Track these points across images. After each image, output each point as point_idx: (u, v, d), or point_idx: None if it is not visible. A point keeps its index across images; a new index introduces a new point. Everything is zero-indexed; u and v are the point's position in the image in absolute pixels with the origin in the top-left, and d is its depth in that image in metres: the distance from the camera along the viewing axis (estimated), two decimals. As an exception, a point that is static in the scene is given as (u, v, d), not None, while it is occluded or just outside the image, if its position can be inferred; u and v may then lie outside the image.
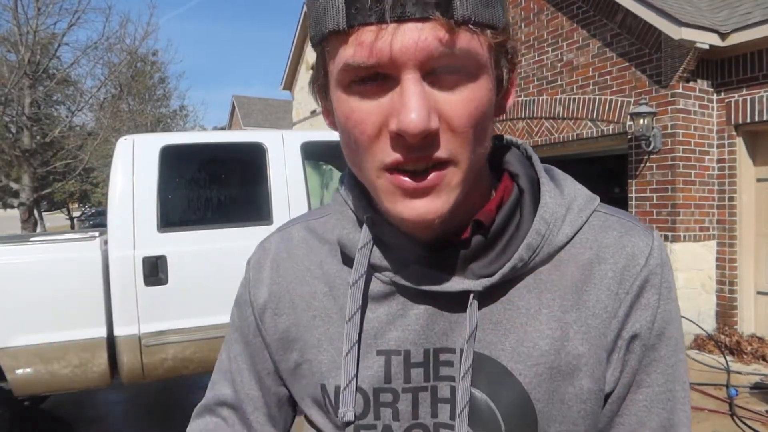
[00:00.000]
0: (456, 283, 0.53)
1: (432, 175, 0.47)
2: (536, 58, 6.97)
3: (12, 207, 12.82)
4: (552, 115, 6.77)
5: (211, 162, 3.98)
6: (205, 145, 4.00)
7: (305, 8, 0.49)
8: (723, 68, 5.44)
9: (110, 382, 3.58)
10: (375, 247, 0.57)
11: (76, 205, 28.55)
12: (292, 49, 16.00)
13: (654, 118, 5.42)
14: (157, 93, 19.38)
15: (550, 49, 6.77)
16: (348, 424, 0.56)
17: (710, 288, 5.59)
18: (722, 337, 5.32)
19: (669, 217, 5.44)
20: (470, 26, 0.45)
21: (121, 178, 3.55)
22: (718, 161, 5.56)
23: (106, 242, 3.54)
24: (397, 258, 0.56)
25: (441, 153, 0.46)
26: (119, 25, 17.87)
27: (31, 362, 3.34)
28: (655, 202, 5.57)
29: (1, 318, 3.30)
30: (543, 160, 0.61)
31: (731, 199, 5.48)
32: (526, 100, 7.16)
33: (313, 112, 15.01)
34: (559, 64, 6.65)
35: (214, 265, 3.63)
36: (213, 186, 3.88)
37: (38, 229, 12.06)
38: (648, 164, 5.61)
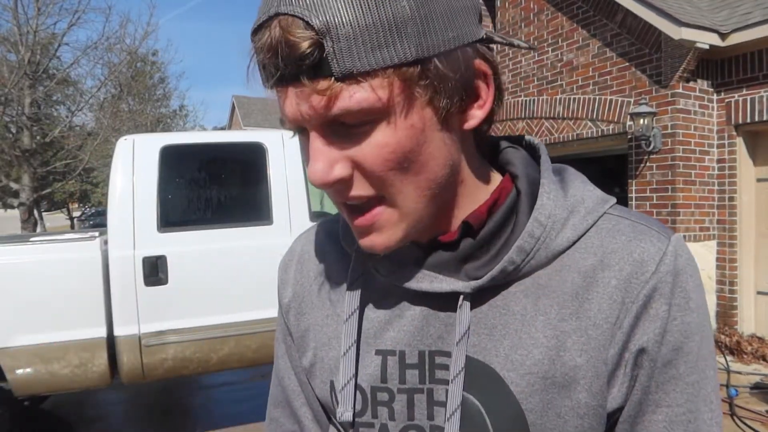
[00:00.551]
0: (447, 284, 0.53)
1: (370, 214, 0.49)
2: (536, 58, 6.97)
3: (12, 207, 12.81)
4: (552, 115, 6.77)
5: (211, 162, 3.98)
6: (205, 145, 4.00)
7: None
8: (723, 68, 5.44)
9: (110, 382, 3.58)
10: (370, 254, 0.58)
11: (76, 205, 28.55)
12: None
13: (654, 118, 5.42)
14: (157, 93, 19.39)
15: (550, 49, 6.77)
16: (346, 423, 0.57)
17: (710, 288, 5.59)
18: (722, 337, 5.32)
19: (669, 217, 5.44)
20: (356, 78, 0.43)
21: (121, 178, 3.55)
22: (718, 161, 5.56)
23: (106, 242, 3.54)
24: (395, 258, 0.56)
25: (362, 191, 0.48)
26: (119, 25, 17.93)
27: (31, 362, 3.34)
28: (655, 202, 5.57)
29: (1, 318, 3.30)
30: None
31: (731, 199, 5.48)
32: (526, 100, 7.16)
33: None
34: (559, 64, 6.65)
35: (214, 265, 3.63)
36: (213, 186, 3.88)
37: (38, 229, 12.06)
38: (648, 164, 5.61)
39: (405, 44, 0.44)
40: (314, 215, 3.95)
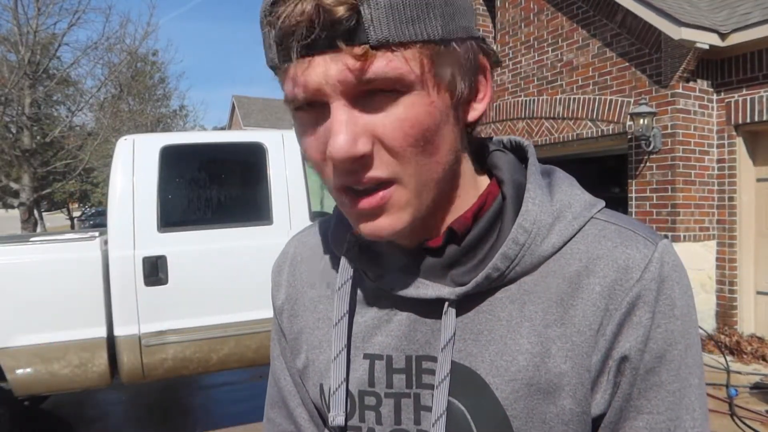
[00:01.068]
0: (432, 290, 0.53)
1: (378, 195, 0.48)
2: (536, 58, 6.97)
3: (12, 207, 12.81)
4: (552, 115, 6.77)
5: (211, 162, 3.98)
6: (205, 145, 4.00)
7: None
8: (723, 68, 5.44)
9: (110, 382, 3.58)
10: (362, 253, 0.58)
11: (76, 205, 28.54)
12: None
13: (654, 118, 5.42)
14: (157, 93, 19.39)
15: (550, 49, 6.77)
16: (337, 428, 0.57)
17: (710, 288, 5.59)
18: (722, 337, 5.32)
19: (669, 217, 5.44)
20: (390, 48, 0.44)
21: (121, 178, 3.55)
22: (718, 161, 5.56)
23: (106, 242, 3.54)
24: (383, 263, 0.57)
25: (379, 173, 0.47)
26: (119, 25, 17.98)
27: (31, 362, 3.34)
28: (655, 202, 5.57)
29: (1, 318, 3.30)
30: (543, 161, 0.59)
31: (731, 199, 5.48)
32: (526, 100, 7.16)
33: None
34: (559, 64, 6.65)
35: (214, 265, 3.63)
36: (213, 186, 3.88)
37: (38, 229, 12.06)
38: (648, 164, 5.61)
39: (434, 22, 0.46)
40: (314, 215, 3.95)
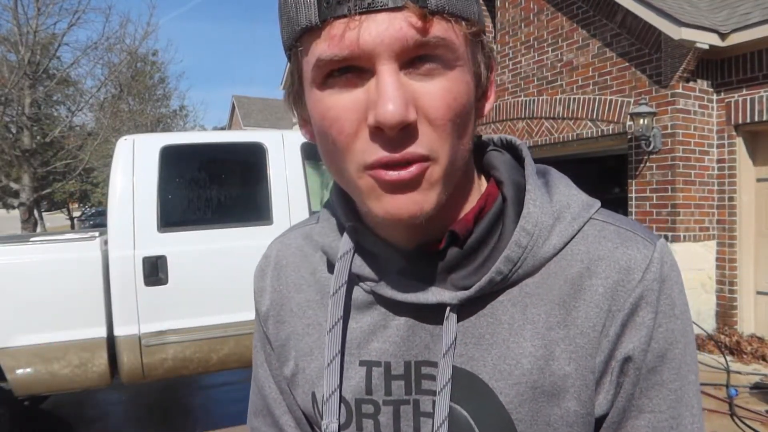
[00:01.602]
0: (433, 295, 0.52)
1: (414, 167, 0.45)
2: (536, 58, 6.97)
3: (12, 207, 12.82)
4: (552, 115, 6.77)
5: (211, 162, 3.98)
6: (205, 145, 4.00)
7: (278, 13, 0.50)
8: (723, 68, 5.44)
9: (110, 382, 3.58)
10: (357, 256, 0.56)
11: (76, 205, 28.54)
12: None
13: (654, 118, 5.42)
14: (157, 93, 19.39)
15: (550, 49, 6.77)
16: None
17: (710, 288, 5.59)
18: (722, 337, 5.32)
19: (669, 217, 5.44)
20: (444, 15, 0.44)
21: (121, 178, 3.55)
22: (718, 161, 5.56)
23: (106, 242, 3.54)
24: (379, 267, 0.55)
25: (420, 148, 0.45)
26: (119, 25, 17.97)
27: (31, 362, 3.34)
28: (655, 202, 5.57)
29: (1, 318, 3.30)
30: (543, 161, 0.58)
31: (731, 199, 5.48)
32: (526, 100, 7.16)
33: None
34: (559, 64, 6.65)
35: (214, 265, 3.63)
36: (213, 186, 3.88)
37: (38, 229, 12.07)
38: (648, 164, 5.61)
39: (475, 3, 0.48)
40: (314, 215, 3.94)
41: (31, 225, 10.89)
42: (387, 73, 0.43)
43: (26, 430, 4.30)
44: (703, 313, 5.52)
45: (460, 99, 0.46)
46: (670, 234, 5.41)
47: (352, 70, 0.45)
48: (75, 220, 23.95)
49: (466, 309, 0.52)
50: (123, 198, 3.53)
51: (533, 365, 0.50)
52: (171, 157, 3.69)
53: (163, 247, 3.54)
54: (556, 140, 6.73)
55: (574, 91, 6.45)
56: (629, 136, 5.72)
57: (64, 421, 4.67)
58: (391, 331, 0.55)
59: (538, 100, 6.95)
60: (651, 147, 5.43)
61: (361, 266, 0.56)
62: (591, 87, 6.23)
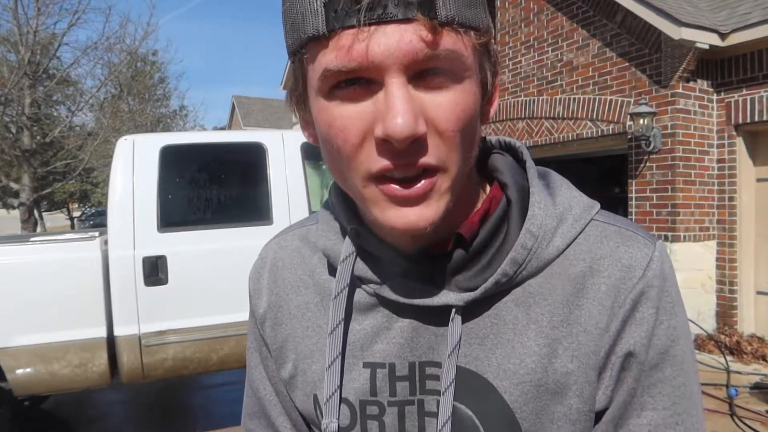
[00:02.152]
0: (438, 297, 0.52)
1: (422, 183, 0.45)
2: (536, 58, 6.97)
3: (12, 207, 12.82)
4: (552, 115, 6.77)
5: (211, 162, 3.98)
6: (205, 145, 4.00)
7: (282, 17, 0.49)
8: (723, 68, 5.44)
9: (110, 382, 3.58)
10: (359, 259, 0.56)
11: (76, 205, 28.54)
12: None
13: (654, 118, 5.42)
14: (157, 93, 19.39)
15: (550, 49, 6.77)
16: None
17: (710, 288, 5.59)
18: (722, 337, 5.32)
19: (669, 217, 5.44)
20: (454, 27, 0.43)
21: (121, 178, 3.55)
22: (718, 161, 5.56)
23: (106, 242, 3.54)
24: (382, 270, 0.55)
25: (429, 159, 0.45)
26: (119, 25, 17.93)
27: (31, 362, 3.34)
28: (655, 202, 5.57)
29: (1, 318, 3.30)
30: (543, 161, 0.59)
31: (731, 199, 5.48)
32: (526, 100, 7.16)
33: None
34: (559, 64, 6.65)
35: (214, 265, 3.63)
36: (213, 186, 3.88)
37: (38, 229, 12.07)
38: (648, 164, 5.61)
39: (482, 13, 0.47)
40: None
41: (31, 225, 10.89)
42: (396, 86, 0.43)
43: (26, 430, 4.30)
44: (703, 313, 5.52)
45: (468, 110, 0.46)
46: (670, 234, 5.41)
47: (360, 81, 0.44)
48: (75, 220, 23.94)
49: (469, 310, 0.53)
50: (123, 198, 3.53)
51: (537, 364, 0.51)
52: (171, 157, 3.69)
53: (163, 247, 3.54)
54: (556, 140, 6.73)
55: (574, 91, 6.45)
56: (629, 136, 5.72)
57: (64, 421, 4.67)
58: (395, 333, 0.55)
59: (538, 100, 6.95)
60: (651, 147, 5.43)
61: (363, 269, 0.56)
62: (591, 87, 6.23)
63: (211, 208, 3.85)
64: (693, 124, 5.44)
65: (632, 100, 5.73)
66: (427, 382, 0.54)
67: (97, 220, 22.50)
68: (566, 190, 0.56)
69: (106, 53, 12.49)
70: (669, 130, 5.41)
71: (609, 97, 6.01)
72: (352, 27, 0.42)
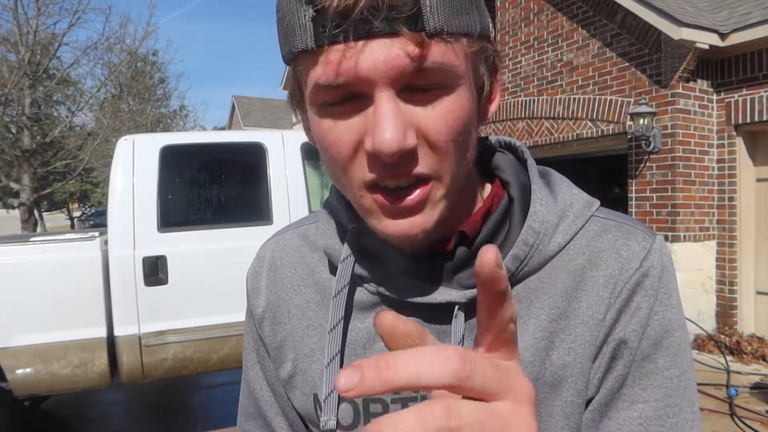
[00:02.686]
0: (440, 295, 0.53)
1: (415, 193, 0.46)
2: (536, 58, 6.97)
3: (12, 207, 12.82)
4: (552, 115, 6.77)
5: (211, 162, 3.98)
6: (205, 145, 4.00)
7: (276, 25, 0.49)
8: (723, 68, 5.44)
9: (110, 382, 3.58)
10: (361, 258, 0.56)
11: (76, 205, 28.54)
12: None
13: (654, 118, 5.42)
14: (157, 93, 19.39)
15: (550, 49, 6.77)
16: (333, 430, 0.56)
17: (710, 288, 5.59)
18: (722, 337, 5.32)
19: (669, 217, 5.44)
20: (443, 37, 0.43)
21: (121, 178, 3.55)
22: (718, 161, 5.56)
23: (106, 242, 3.54)
24: (383, 269, 0.55)
25: (421, 169, 0.46)
26: (119, 25, 17.89)
27: (31, 362, 3.34)
28: (655, 202, 5.57)
29: (1, 318, 3.30)
30: (543, 161, 0.59)
31: (731, 199, 5.48)
32: (526, 100, 7.16)
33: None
34: (559, 64, 6.65)
35: (214, 265, 3.63)
36: (213, 186, 3.88)
37: (38, 229, 12.07)
38: (648, 164, 5.61)
39: (476, 17, 0.46)
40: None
41: (31, 225, 10.89)
42: (384, 100, 0.43)
43: (26, 430, 4.30)
44: (703, 313, 5.52)
45: (461, 119, 0.46)
46: (670, 234, 5.41)
47: (350, 97, 0.45)
48: (75, 220, 23.95)
49: (472, 307, 0.52)
50: (123, 198, 3.53)
51: (535, 357, 0.51)
52: (171, 157, 3.69)
53: (163, 247, 3.54)
54: (556, 140, 6.73)
55: (574, 91, 6.45)
56: (629, 136, 5.72)
57: (64, 421, 4.67)
58: None
59: (538, 100, 6.95)
60: (651, 147, 5.43)
61: (365, 268, 0.56)
62: (591, 87, 6.23)
63: (211, 208, 3.85)
64: (693, 124, 5.44)
65: (632, 100, 5.73)
66: None
67: (97, 220, 22.49)
68: (567, 188, 0.57)
69: (106, 53, 12.51)
70: (669, 130, 5.41)
71: (609, 97, 6.01)
72: (340, 42, 0.42)
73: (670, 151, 5.41)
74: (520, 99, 7.23)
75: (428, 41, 0.42)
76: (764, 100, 5.08)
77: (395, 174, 0.45)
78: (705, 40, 5.11)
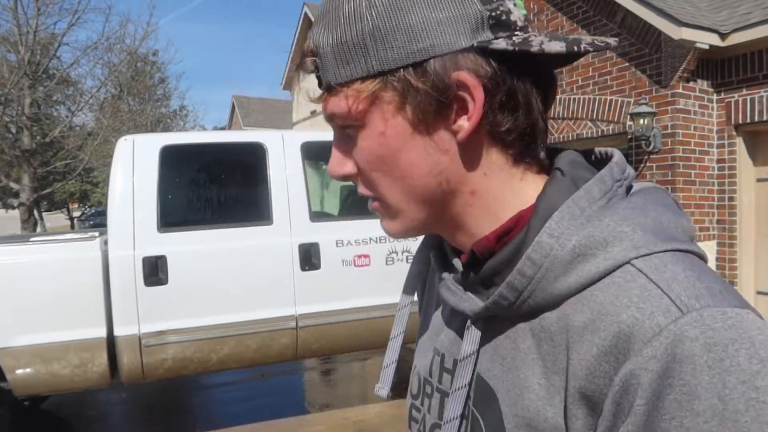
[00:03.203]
0: (463, 303, 0.54)
1: (374, 204, 0.56)
2: (536, 58, 6.97)
3: (12, 207, 12.83)
4: (552, 115, 6.77)
5: (211, 162, 3.98)
6: (205, 145, 4.00)
7: None
8: (723, 68, 5.43)
9: (110, 382, 3.58)
10: (438, 254, 0.64)
11: (76, 205, 28.54)
12: (293, 49, 16.01)
13: (654, 118, 5.42)
14: (157, 93, 19.41)
15: (550, 49, 6.76)
16: (381, 397, 0.67)
17: (710, 288, 5.58)
18: (722, 337, 5.32)
19: (669, 217, 5.44)
20: (336, 89, 0.51)
21: (121, 178, 3.55)
22: (718, 161, 5.56)
23: (106, 242, 3.54)
24: (446, 267, 0.61)
25: (362, 190, 0.56)
26: (119, 25, 17.92)
27: (31, 362, 3.34)
28: (655, 202, 5.56)
29: (1, 318, 3.31)
30: None
31: (731, 199, 5.48)
32: (526, 100, 7.15)
33: (313, 112, 15.01)
34: (559, 64, 6.64)
35: (214, 265, 3.63)
36: (213, 186, 3.89)
37: (38, 229, 12.07)
38: (648, 164, 5.61)
39: (368, 59, 0.49)
40: (314, 215, 3.95)
41: (31, 225, 10.89)
42: (335, 134, 0.56)
43: (26, 430, 4.30)
44: (703, 313, 5.51)
45: (374, 151, 0.52)
46: (670, 234, 5.40)
47: None
48: (75, 220, 23.95)
49: (496, 326, 0.52)
50: (123, 198, 3.53)
51: (533, 404, 0.48)
52: (171, 157, 3.70)
53: (163, 247, 3.54)
54: (556, 140, 6.73)
55: (574, 91, 6.45)
56: (629, 136, 5.72)
57: (64, 421, 4.67)
58: (451, 328, 0.61)
59: (538, 100, 6.95)
60: (651, 147, 5.43)
61: (439, 263, 0.63)
62: (591, 87, 6.23)
63: (211, 208, 3.85)
64: (693, 124, 5.44)
65: (632, 100, 5.73)
66: None
67: (97, 220, 22.48)
68: (617, 222, 0.46)
69: (106, 53, 12.54)
70: (669, 130, 5.41)
71: (609, 97, 6.01)
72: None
73: (670, 151, 5.42)
74: (520, 99, 7.23)
75: (326, 95, 0.52)
76: (764, 100, 5.07)
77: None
78: (705, 40, 5.11)
